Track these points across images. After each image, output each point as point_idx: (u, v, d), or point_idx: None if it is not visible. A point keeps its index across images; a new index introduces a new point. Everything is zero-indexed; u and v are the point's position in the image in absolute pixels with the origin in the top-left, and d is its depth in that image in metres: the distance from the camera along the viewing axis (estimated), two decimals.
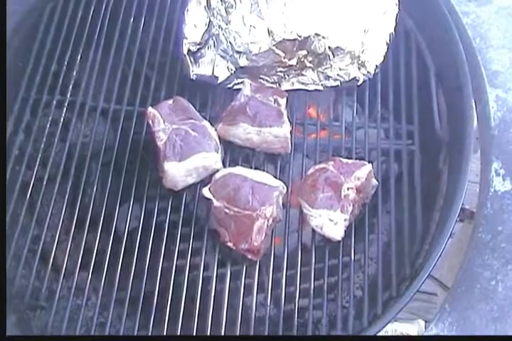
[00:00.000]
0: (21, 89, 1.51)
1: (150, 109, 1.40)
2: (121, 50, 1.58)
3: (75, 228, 1.37)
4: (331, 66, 1.50)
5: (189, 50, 1.47)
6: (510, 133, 1.50)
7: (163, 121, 1.38)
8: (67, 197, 1.41)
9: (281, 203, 1.35)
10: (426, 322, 1.37)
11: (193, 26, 1.49)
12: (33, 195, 1.41)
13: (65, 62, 1.56)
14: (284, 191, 1.35)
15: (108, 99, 1.52)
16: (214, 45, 1.49)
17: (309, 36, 1.44)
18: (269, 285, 1.31)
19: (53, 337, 1.27)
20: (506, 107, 1.52)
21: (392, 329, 1.33)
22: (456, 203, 1.34)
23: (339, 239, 1.32)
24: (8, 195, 1.36)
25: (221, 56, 1.49)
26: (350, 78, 1.51)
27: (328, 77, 1.51)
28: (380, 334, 1.26)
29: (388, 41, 1.53)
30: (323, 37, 1.45)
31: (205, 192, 1.33)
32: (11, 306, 1.27)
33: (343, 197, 1.32)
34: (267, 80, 1.52)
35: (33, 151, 1.46)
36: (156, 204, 1.39)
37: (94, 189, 1.42)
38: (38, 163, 1.44)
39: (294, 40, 1.44)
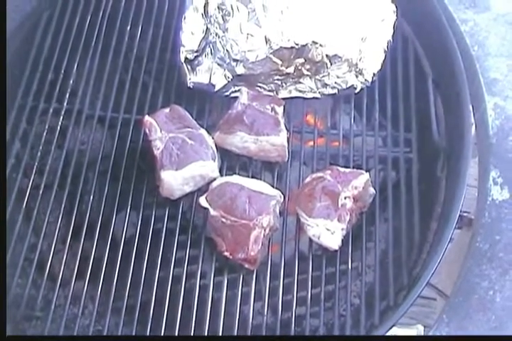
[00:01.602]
0: (18, 97, 1.51)
1: (147, 118, 1.40)
2: (119, 57, 1.57)
3: (71, 236, 1.37)
4: (329, 74, 1.50)
5: (186, 58, 1.47)
6: (509, 141, 1.49)
7: (160, 130, 1.37)
8: (64, 205, 1.41)
9: (278, 212, 1.34)
10: (425, 327, 1.36)
11: (190, 33, 1.49)
12: (29, 203, 1.40)
13: (62, 70, 1.55)
14: (281, 200, 1.35)
15: (105, 107, 1.52)
16: (211, 53, 1.49)
17: (307, 44, 1.44)
18: (266, 294, 1.31)
19: (53, 337, 1.27)
20: (504, 115, 1.52)
21: (390, 334, 1.32)
22: (454, 211, 1.33)
23: (336, 248, 1.31)
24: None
25: (218, 64, 1.48)
26: (347, 86, 1.51)
27: (325, 85, 1.51)
28: None
29: (386, 49, 1.53)
30: (320, 45, 1.44)
31: (202, 201, 1.33)
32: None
33: (340, 206, 1.31)
34: (264, 88, 1.51)
35: (29, 159, 1.46)
36: (153, 212, 1.39)
37: (91, 197, 1.42)
38: (34, 170, 1.44)
39: (292, 48, 1.44)
